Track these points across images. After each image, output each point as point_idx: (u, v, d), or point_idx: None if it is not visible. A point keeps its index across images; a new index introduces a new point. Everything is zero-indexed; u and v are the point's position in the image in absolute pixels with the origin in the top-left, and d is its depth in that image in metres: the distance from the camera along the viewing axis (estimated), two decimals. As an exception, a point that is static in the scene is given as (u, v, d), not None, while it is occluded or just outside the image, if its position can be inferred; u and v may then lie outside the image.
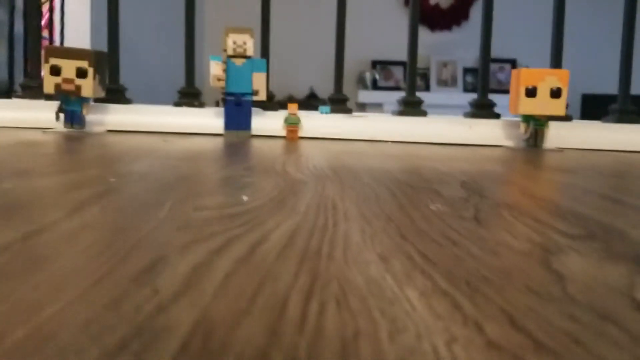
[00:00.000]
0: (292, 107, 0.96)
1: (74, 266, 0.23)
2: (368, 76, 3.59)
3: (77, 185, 0.43)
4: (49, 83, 0.88)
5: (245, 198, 0.39)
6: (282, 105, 1.03)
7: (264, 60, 0.97)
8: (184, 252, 0.25)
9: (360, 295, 0.21)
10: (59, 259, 0.24)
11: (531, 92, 0.88)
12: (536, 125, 0.92)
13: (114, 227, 0.30)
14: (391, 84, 3.62)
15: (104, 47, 1.04)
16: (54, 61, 0.88)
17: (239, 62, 0.92)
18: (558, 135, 0.95)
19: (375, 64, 3.62)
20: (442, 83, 3.65)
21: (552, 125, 0.93)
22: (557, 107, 0.89)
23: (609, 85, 1.05)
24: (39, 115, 0.96)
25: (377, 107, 3.49)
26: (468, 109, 1.05)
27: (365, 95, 3.51)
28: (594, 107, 1.28)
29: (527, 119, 0.92)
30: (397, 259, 0.26)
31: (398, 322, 0.18)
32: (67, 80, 0.87)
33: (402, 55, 1.10)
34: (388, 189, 0.46)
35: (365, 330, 0.18)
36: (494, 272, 0.24)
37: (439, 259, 0.26)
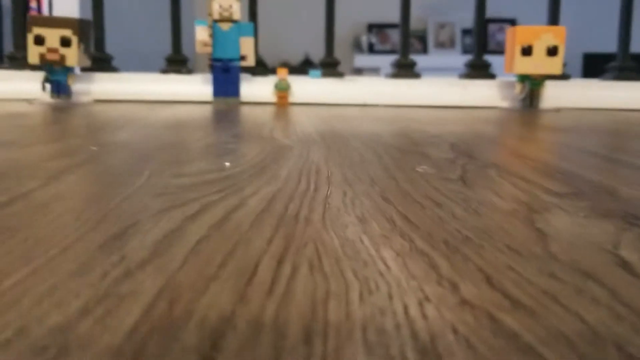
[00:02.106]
0: (282, 72, 0.94)
1: (43, 235, 0.22)
2: (364, 40, 3.53)
3: (57, 154, 0.42)
4: (33, 53, 0.86)
5: (227, 164, 0.38)
6: (276, 71, 1.01)
7: (252, 24, 0.95)
8: (157, 219, 0.25)
9: (334, 257, 0.20)
10: (29, 228, 0.23)
11: (527, 51, 0.86)
12: (532, 85, 0.90)
13: (89, 195, 0.29)
14: (388, 47, 3.56)
15: (91, 15, 1.02)
16: (37, 30, 0.85)
17: (225, 26, 0.90)
18: (555, 95, 0.93)
19: (371, 27, 3.55)
20: (440, 45, 3.59)
21: (549, 85, 0.92)
22: (554, 65, 0.87)
23: (611, 44, 1.02)
24: (24, 85, 0.94)
25: (374, 71, 3.45)
26: (466, 65, 1.03)
27: (362, 60, 3.46)
28: (595, 66, 1.25)
29: (523, 78, 0.90)
30: (376, 221, 0.25)
31: (370, 282, 0.18)
32: (52, 50, 0.85)
33: (399, 17, 1.07)
34: (375, 153, 0.45)
35: (336, 292, 0.17)
36: (475, 232, 0.24)
37: (420, 220, 0.25)
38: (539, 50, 0.86)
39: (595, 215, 0.27)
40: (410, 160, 0.41)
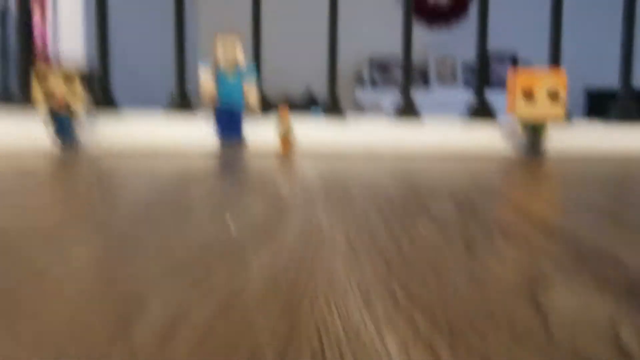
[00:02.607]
0: (284, 115, 0.95)
1: (54, 320, 0.23)
2: (366, 74, 3.57)
3: (67, 221, 0.42)
4: (39, 99, 0.88)
5: (232, 227, 0.39)
6: (279, 104, 1.02)
7: (255, 70, 0.96)
8: (163, 300, 0.25)
9: (338, 347, 0.20)
10: (40, 313, 0.24)
11: (528, 95, 0.87)
12: (534, 130, 0.91)
13: (97, 271, 0.30)
14: (390, 81, 3.61)
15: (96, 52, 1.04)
16: (43, 79, 0.87)
17: (229, 72, 0.91)
18: (557, 139, 0.94)
19: (373, 61, 3.61)
20: (442, 79, 3.63)
21: (551, 129, 0.92)
22: (555, 110, 0.88)
23: (614, 79, 1.03)
24: (30, 129, 0.95)
25: (376, 106, 3.49)
26: (467, 105, 1.04)
27: (363, 95, 3.50)
28: (598, 103, 1.27)
29: (526, 122, 0.91)
30: (380, 299, 0.25)
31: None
32: (57, 97, 0.87)
33: (400, 52, 1.08)
34: (379, 210, 0.45)
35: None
36: (477, 312, 0.24)
37: (423, 297, 0.26)
38: (541, 95, 0.87)
39: (597, 288, 0.27)
40: (414, 219, 0.42)
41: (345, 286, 0.27)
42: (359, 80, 3.54)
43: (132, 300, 0.25)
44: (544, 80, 0.86)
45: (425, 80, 3.59)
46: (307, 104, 3.22)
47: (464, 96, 1.06)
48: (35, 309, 0.24)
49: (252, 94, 0.94)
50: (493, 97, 1.04)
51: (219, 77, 0.92)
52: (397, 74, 3.57)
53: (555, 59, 1.02)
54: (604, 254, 0.33)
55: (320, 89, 1.06)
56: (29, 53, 1.06)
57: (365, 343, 0.21)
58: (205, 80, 0.91)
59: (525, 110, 0.88)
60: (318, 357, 0.19)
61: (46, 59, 2.04)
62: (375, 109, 3.45)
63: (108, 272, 0.29)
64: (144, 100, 1.15)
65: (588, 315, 0.24)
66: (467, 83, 3.50)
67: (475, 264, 0.31)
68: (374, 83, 3.54)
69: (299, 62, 3.44)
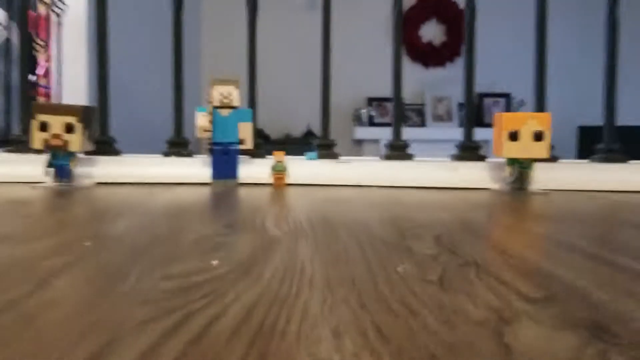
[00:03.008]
0: (279, 155, 0.98)
1: (26, 352, 0.23)
2: (364, 113, 3.64)
3: (51, 252, 0.43)
4: (37, 139, 0.90)
5: (214, 263, 0.39)
6: (280, 142, 1.04)
7: (250, 110, 0.99)
8: (137, 333, 0.25)
9: (303, 381, 0.21)
10: (13, 343, 0.24)
11: (514, 136, 0.89)
12: (521, 167, 0.93)
13: (76, 303, 0.30)
14: (387, 120, 3.66)
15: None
16: (41, 117, 0.89)
17: (224, 112, 0.94)
18: (544, 177, 0.96)
19: (370, 100, 3.68)
20: (438, 118, 3.69)
21: (538, 167, 0.94)
22: (540, 149, 0.90)
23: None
24: (28, 169, 0.97)
25: (374, 143, 3.53)
26: (457, 144, 1.07)
27: (362, 132, 3.55)
28: (590, 139, 1.29)
29: (512, 161, 0.93)
30: (350, 335, 0.26)
31: (333, 413, 0.19)
32: (56, 136, 0.89)
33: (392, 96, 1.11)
34: (360, 247, 0.46)
35: None
36: (443, 348, 0.25)
37: (392, 333, 0.26)
38: (526, 135, 0.89)
39: (562, 325, 0.28)
40: (393, 257, 0.42)
41: (317, 321, 0.28)
42: (358, 118, 3.60)
43: (105, 333, 0.26)
44: (529, 121, 0.89)
45: (422, 119, 3.65)
46: (307, 142, 3.26)
47: (459, 134, 1.08)
48: (5, 337, 0.25)
49: (247, 134, 0.96)
50: (486, 135, 1.07)
51: (215, 116, 0.94)
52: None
53: (540, 104, 1.04)
54: (575, 292, 0.34)
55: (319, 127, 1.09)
56: (29, 91, 1.09)
57: (330, 377, 0.21)
58: (201, 120, 0.94)
59: (511, 150, 0.90)
60: (283, 391, 0.20)
61: (47, 98, 2.08)
62: (373, 144, 3.50)
63: (84, 304, 0.30)
64: (143, 145, 1.17)
65: (550, 348, 0.25)
66: (462, 123, 3.55)
67: (448, 301, 0.32)
68: (371, 121, 3.60)
69: (300, 102, 3.51)
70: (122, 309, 0.29)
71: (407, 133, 1.10)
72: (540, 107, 1.04)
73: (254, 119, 0.99)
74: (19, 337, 0.25)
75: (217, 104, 0.94)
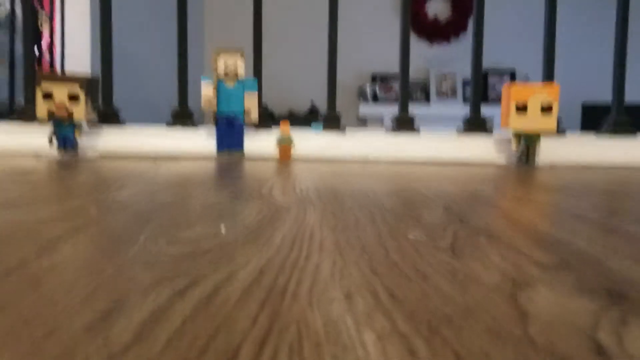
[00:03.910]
0: (285, 126, 0.96)
1: (31, 314, 0.23)
2: (368, 89, 3.60)
3: (56, 218, 0.43)
4: (42, 108, 0.89)
5: (223, 229, 0.39)
6: (284, 119, 1.03)
7: (255, 80, 0.98)
8: (146, 295, 0.25)
9: (315, 340, 0.21)
10: (18, 305, 0.24)
11: (521, 108, 0.88)
12: (527, 141, 0.92)
13: (81, 267, 0.30)
14: (391, 96, 3.63)
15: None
16: (46, 86, 0.88)
17: (230, 83, 0.92)
18: (550, 151, 0.95)
19: (375, 77, 3.64)
20: (442, 95, 3.66)
21: (544, 141, 0.93)
22: (548, 122, 0.88)
23: (608, 95, 1.05)
24: (33, 139, 0.96)
25: (378, 120, 3.51)
26: (464, 118, 1.05)
27: (366, 109, 3.53)
28: (594, 117, 1.28)
29: (519, 135, 0.92)
30: (362, 296, 0.26)
31: (348, 371, 0.18)
32: (60, 106, 0.88)
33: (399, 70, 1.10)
34: (370, 216, 0.45)
35: (313, 383, 0.17)
36: (457, 310, 0.24)
37: (404, 296, 0.26)
38: (534, 107, 0.88)
39: (579, 291, 0.27)
40: (403, 225, 0.42)
41: (328, 284, 0.27)
42: (362, 95, 3.57)
43: (112, 295, 0.25)
44: (537, 93, 0.87)
45: (426, 95, 3.62)
46: (311, 118, 3.24)
47: (463, 111, 1.06)
48: (10, 300, 0.24)
49: (252, 104, 0.95)
50: (491, 112, 1.05)
51: (220, 88, 0.93)
52: (398, 89, 3.59)
53: (549, 74, 1.03)
54: (589, 259, 0.33)
55: (324, 104, 1.08)
56: (34, 61, 1.07)
57: (343, 337, 0.21)
58: (205, 89, 0.92)
59: (519, 123, 0.88)
60: (295, 349, 0.20)
61: (52, 68, 2.06)
62: (377, 122, 3.47)
63: (90, 267, 0.30)
64: (148, 117, 1.16)
65: (567, 314, 0.24)
66: (466, 100, 3.51)
67: (460, 267, 0.31)
68: (375, 98, 3.57)
69: (304, 78, 3.47)
70: (129, 272, 0.29)
71: (411, 110, 1.08)
72: (549, 78, 1.03)
73: (259, 90, 0.97)
74: (25, 298, 0.25)
75: (221, 74, 0.92)
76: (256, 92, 0.95)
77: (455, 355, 0.20)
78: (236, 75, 0.93)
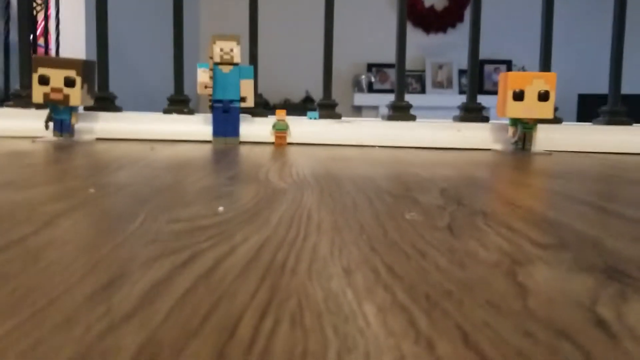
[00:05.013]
0: (281, 113, 0.96)
1: (33, 284, 0.23)
2: (364, 79, 3.59)
3: (54, 197, 0.42)
4: (38, 92, 0.88)
5: (221, 209, 0.39)
6: (279, 108, 1.03)
7: (251, 67, 0.97)
8: (147, 268, 0.25)
9: (316, 311, 0.21)
10: (19, 277, 0.24)
11: (518, 96, 0.88)
12: (525, 128, 0.92)
13: (81, 242, 0.30)
14: (387, 86, 3.62)
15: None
16: (42, 71, 0.87)
17: (226, 69, 0.92)
18: (547, 138, 0.95)
19: (370, 66, 3.62)
20: (438, 85, 3.65)
21: (541, 128, 0.93)
22: (545, 110, 0.89)
23: (606, 85, 1.05)
24: (29, 124, 0.96)
25: (373, 109, 3.50)
26: (460, 106, 1.05)
27: (361, 98, 3.52)
28: (590, 107, 1.29)
29: (515, 122, 0.92)
30: (361, 272, 0.26)
31: (349, 340, 0.18)
32: (56, 90, 0.87)
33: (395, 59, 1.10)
34: (367, 198, 0.45)
35: (314, 350, 0.17)
36: (457, 285, 0.24)
37: (404, 272, 0.26)
38: (531, 95, 0.88)
39: (577, 269, 0.27)
40: (400, 207, 0.42)
41: (327, 261, 0.27)
42: (358, 85, 3.56)
43: (113, 267, 0.25)
44: (534, 80, 0.87)
45: (422, 86, 3.61)
46: (306, 107, 3.23)
47: (459, 102, 1.06)
48: (9, 272, 0.24)
49: (248, 91, 0.94)
50: (486, 103, 1.05)
51: (216, 73, 0.92)
52: (394, 79, 3.58)
53: (546, 64, 1.03)
54: (587, 239, 0.34)
55: (319, 94, 1.07)
56: (29, 47, 1.06)
57: (344, 311, 0.21)
58: (201, 75, 0.92)
59: (516, 110, 0.89)
60: (297, 323, 0.20)
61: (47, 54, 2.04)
62: (372, 112, 3.47)
63: (90, 244, 0.29)
64: (144, 105, 1.15)
65: (566, 290, 0.24)
66: (462, 90, 3.51)
67: (458, 245, 0.31)
68: (371, 88, 3.56)
69: (299, 68, 3.46)
70: (128, 248, 0.29)
71: (407, 99, 1.08)
72: (546, 67, 1.03)
73: (255, 77, 0.97)
74: (24, 271, 0.25)
75: (217, 60, 0.92)
76: (252, 79, 0.95)
77: (456, 326, 0.20)
78: (232, 61, 0.92)
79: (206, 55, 0.94)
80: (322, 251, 0.29)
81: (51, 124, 0.90)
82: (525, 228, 0.36)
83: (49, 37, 2.14)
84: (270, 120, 0.98)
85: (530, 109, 0.88)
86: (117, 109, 1.03)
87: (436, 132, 0.99)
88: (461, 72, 3.55)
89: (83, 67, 0.89)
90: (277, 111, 0.96)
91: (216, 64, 0.92)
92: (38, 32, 2.09)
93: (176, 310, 0.20)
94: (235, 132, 0.95)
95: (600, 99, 1.13)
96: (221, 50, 0.91)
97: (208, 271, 0.25)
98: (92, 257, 0.27)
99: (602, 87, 1.16)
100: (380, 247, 0.30)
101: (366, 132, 1.00)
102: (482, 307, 0.22)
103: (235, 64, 0.93)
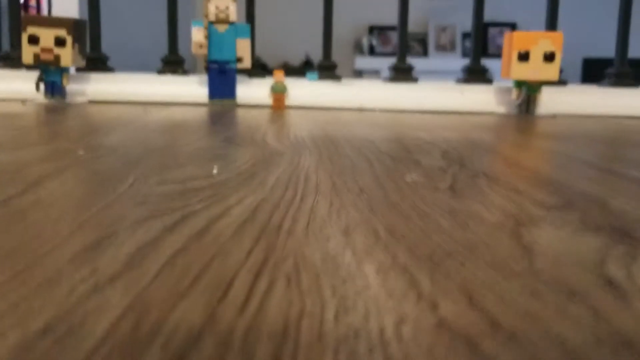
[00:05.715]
0: (279, 75, 0.94)
1: (15, 245, 0.22)
2: (365, 42, 3.52)
3: (42, 159, 0.41)
4: (28, 53, 0.85)
5: (215, 170, 0.38)
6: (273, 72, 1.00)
7: (248, 26, 0.94)
8: (135, 229, 0.24)
9: (313, 272, 0.20)
10: (1, 237, 0.23)
11: (524, 57, 0.85)
12: (529, 90, 0.90)
13: (68, 203, 0.29)
14: (389, 49, 3.56)
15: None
16: (32, 30, 0.85)
17: (221, 28, 0.89)
18: (551, 101, 0.93)
19: (372, 29, 3.55)
20: (441, 48, 3.58)
21: (546, 91, 0.91)
22: (551, 71, 0.86)
23: (610, 49, 1.02)
24: (19, 85, 0.93)
25: (375, 73, 3.45)
26: (463, 69, 1.03)
27: (362, 62, 3.45)
28: (595, 71, 1.26)
29: (520, 84, 0.90)
30: (361, 233, 0.25)
31: (348, 301, 0.17)
32: (46, 50, 0.85)
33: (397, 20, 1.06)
34: (366, 160, 0.44)
35: (311, 311, 0.17)
36: (460, 246, 0.23)
37: (405, 233, 0.25)
38: (536, 56, 0.85)
39: (584, 230, 0.26)
40: (401, 169, 0.41)
41: (325, 222, 0.26)
42: (359, 48, 3.49)
43: (99, 229, 0.24)
44: (540, 41, 0.85)
45: (424, 48, 3.54)
46: (305, 70, 3.18)
47: (462, 65, 1.04)
48: None
49: (245, 51, 0.92)
50: (490, 66, 1.03)
51: (211, 33, 0.89)
52: (396, 41, 3.51)
53: (552, 24, 1.00)
54: (593, 200, 0.33)
55: (318, 56, 1.04)
56: (19, 7, 1.03)
57: (342, 271, 0.20)
58: (196, 34, 0.89)
59: (521, 71, 0.86)
60: (293, 284, 0.19)
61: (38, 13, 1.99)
62: (374, 76, 3.42)
63: (77, 204, 0.28)
64: (137, 65, 1.12)
65: (573, 250, 0.23)
66: (465, 53, 3.45)
67: (461, 207, 0.30)
68: (372, 51, 3.49)
69: (299, 31, 3.39)
70: (117, 209, 0.28)
71: (409, 62, 1.05)
72: (552, 27, 1.00)
73: (252, 36, 0.94)
74: (9, 230, 0.24)
75: (212, 19, 0.89)
76: (249, 39, 0.92)
77: (459, 286, 0.19)
78: (227, 20, 0.89)
79: (201, 13, 0.91)
80: (320, 212, 0.28)
81: (42, 86, 0.88)
82: (530, 189, 0.35)
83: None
84: (268, 81, 0.96)
85: (535, 70, 0.86)
86: (109, 69, 1.00)
87: (439, 94, 0.97)
88: (465, 36, 3.48)
89: (74, 26, 0.87)
90: (275, 71, 0.94)
91: (211, 22, 0.89)
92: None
93: (166, 271, 0.19)
94: (231, 93, 0.93)
95: (605, 63, 1.10)
96: (216, 8, 0.88)
97: (200, 232, 0.24)
98: (78, 218, 0.26)
99: (608, 51, 1.13)
100: (380, 208, 0.29)
101: (367, 94, 0.97)
102: (487, 268, 0.21)
103: (231, 23, 0.90)
